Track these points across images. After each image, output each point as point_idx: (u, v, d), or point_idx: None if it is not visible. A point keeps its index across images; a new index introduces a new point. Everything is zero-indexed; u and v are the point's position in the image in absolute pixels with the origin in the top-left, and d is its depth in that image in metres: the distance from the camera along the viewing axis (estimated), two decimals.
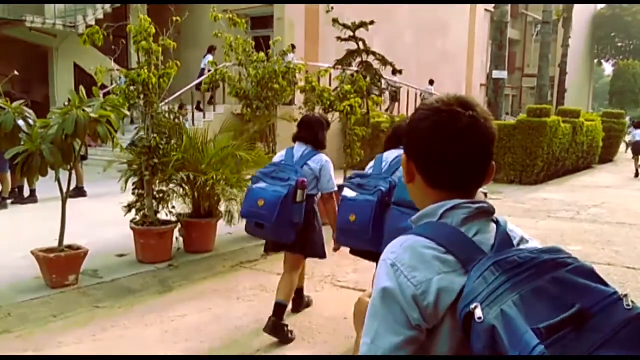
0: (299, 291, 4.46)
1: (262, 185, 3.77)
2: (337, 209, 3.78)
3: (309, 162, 3.96)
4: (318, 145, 4.09)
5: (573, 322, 0.89)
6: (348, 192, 3.50)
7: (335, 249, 3.92)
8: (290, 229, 3.76)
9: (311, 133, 4.09)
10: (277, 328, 3.91)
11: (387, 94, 12.96)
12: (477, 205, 1.08)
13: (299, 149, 4.05)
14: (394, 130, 3.85)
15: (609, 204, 9.86)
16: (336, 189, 4.06)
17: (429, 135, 1.09)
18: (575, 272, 0.95)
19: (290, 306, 4.20)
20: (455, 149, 1.08)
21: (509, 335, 0.87)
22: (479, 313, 0.90)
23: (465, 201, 1.09)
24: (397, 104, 16.08)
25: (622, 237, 7.42)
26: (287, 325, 3.97)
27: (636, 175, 15.54)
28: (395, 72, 9.62)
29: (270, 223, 3.61)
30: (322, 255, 4.18)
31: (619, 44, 49.73)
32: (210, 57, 12.90)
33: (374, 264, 1.92)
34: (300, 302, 4.53)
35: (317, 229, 4.10)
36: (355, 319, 1.24)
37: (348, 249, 3.80)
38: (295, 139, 4.13)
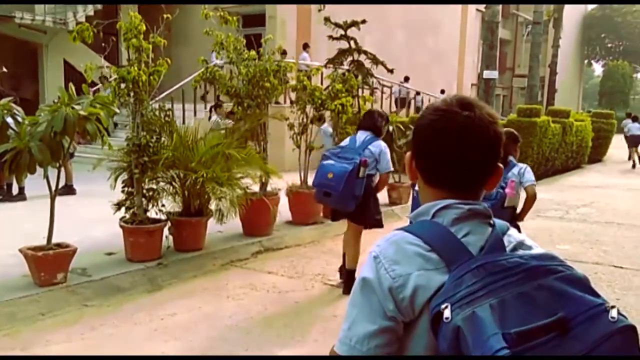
0: (351, 273, 4.80)
1: (331, 162, 4.63)
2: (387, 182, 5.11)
3: (369, 147, 4.69)
4: (377, 132, 4.86)
5: (553, 330, 0.88)
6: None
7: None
8: (351, 200, 4.54)
9: (372, 122, 4.88)
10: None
11: (394, 99, 12.86)
12: (469, 207, 1.08)
13: (361, 136, 4.82)
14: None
15: (597, 203, 9.94)
16: (392, 169, 4.96)
17: (426, 134, 1.12)
18: (563, 280, 0.94)
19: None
20: (449, 148, 1.08)
21: (473, 337, 0.87)
22: (447, 313, 0.91)
23: (457, 202, 1.09)
24: (404, 110, 16.02)
25: (610, 237, 7.48)
26: None
27: (633, 167, 15.62)
28: (388, 71, 9.64)
29: (337, 192, 4.47)
30: (379, 225, 4.88)
31: (609, 45, 50.10)
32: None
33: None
34: (349, 283, 4.62)
35: (373, 203, 4.85)
36: None
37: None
38: (359, 127, 4.97)
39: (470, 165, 1.09)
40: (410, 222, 1.16)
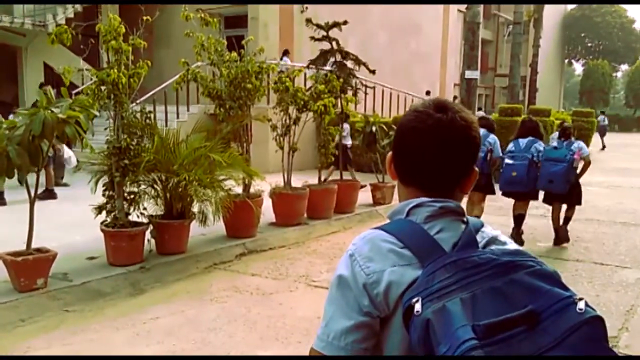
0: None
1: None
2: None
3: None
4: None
5: (522, 323, 0.89)
6: (508, 160, 6.63)
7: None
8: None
9: (488, 124, 7.21)
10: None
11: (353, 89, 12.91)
12: (440, 204, 1.10)
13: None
14: (522, 123, 7.09)
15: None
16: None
17: (401, 134, 1.16)
18: (534, 274, 0.96)
19: None
20: (419, 148, 1.11)
21: (442, 329, 0.89)
22: (417, 307, 0.93)
23: (429, 200, 1.11)
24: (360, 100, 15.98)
25: (591, 233, 7.58)
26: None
27: (602, 148, 16.39)
28: (370, 72, 9.65)
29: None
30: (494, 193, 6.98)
31: (589, 44, 50.81)
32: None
33: None
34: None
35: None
36: None
37: None
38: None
39: (440, 166, 1.12)
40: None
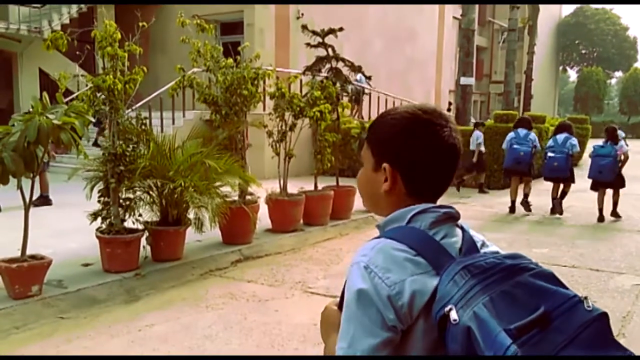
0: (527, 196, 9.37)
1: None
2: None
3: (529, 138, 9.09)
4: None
5: (538, 324, 0.92)
6: (550, 154, 8.65)
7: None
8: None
9: (528, 124, 9.40)
10: (526, 205, 9.37)
11: (350, 96, 12.95)
12: (444, 210, 1.11)
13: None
14: (558, 125, 9.34)
15: (574, 207, 10.07)
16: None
17: (412, 148, 1.12)
18: (537, 276, 0.99)
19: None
20: (436, 162, 1.13)
21: (483, 335, 0.90)
22: (454, 315, 0.93)
23: (433, 205, 1.12)
24: (358, 107, 16.03)
25: (586, 240, 7.59)
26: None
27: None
28: (366, 78, 9.69)
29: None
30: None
31: (583, 51, 51.08)
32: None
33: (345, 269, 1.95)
34: (529, 203, 9.36)
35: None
36: (322, 327, 1.24)
37: None
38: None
39: (450, 175, 1.17)
40: (379, 229, 1.16)
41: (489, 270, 0.99)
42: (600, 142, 9.05)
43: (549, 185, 9.37)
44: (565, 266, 6.17)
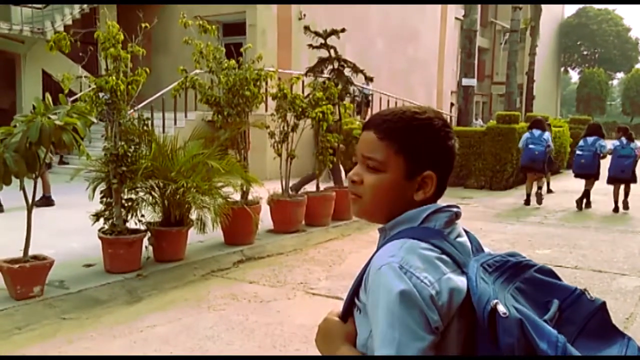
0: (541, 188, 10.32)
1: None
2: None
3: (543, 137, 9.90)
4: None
5: (555, 316, 0.98)
6: (579, 152, 9.88)
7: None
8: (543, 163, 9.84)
9: (542, 125, 10.12)
10: (538, 197, 10.34)
11: (360, 100, 13.02)
12: (455, 210, 1.12)
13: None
14: (588, 126, 10.52)
15: (575, 208, 10.07)
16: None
17: (447, 152, 1.14)
18: (541, 272, 1.05)
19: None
20: (453, 162, 1.16)
21: (533, 327, 0.92)
22: (502, 308, 0.93)
23: (444, 205, 1.12)
24: (369, 110, 16.11)
25: (588, 241, 7.58)
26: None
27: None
28: (367, 79, 9.68)
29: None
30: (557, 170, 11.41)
31: (585, 52, 51.07)
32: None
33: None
34: (541, 196, 10.43)
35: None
36: (323, 341, 1.17)
37: None
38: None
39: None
40: (384, 231, 1.15)
41: (500, 267, 1.03)
42: (609, 142, 10.10)
43: (571, 188, 10.77)
44: (568, 267, 6.15)
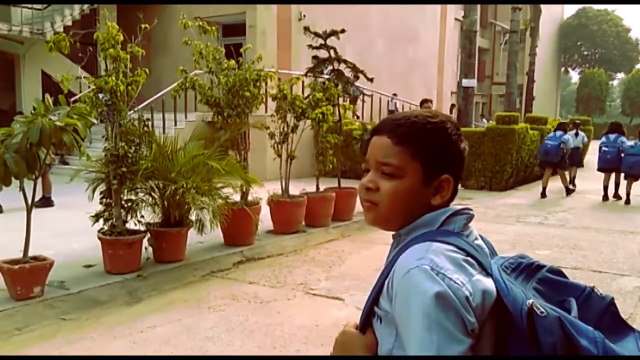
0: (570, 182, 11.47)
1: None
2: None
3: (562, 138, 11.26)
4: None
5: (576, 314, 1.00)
6: (604, 148, 11.07)
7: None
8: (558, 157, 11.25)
9: (563, 126, 11.75)
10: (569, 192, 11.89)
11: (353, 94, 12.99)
12: (471, 212, 1.11)
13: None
14: (610, 125, 11.65)
15: (575, 208, 10.07)
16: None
17: (463, 152, 1.14)
18: (552, 272, 1.07)
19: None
20: (464, 163, 1.17)
21: (571, 324, 0.94)
22: (540, 307, 0.94)
23: (461, 207, 1.12)
24: (357, 106, 16.00)
25: (588, 241, 7.58)
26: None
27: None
28: (367, 80, 9.68)
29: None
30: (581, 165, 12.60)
31: (585, 53, 51.05)
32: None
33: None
34: (569, 189, 11.76)
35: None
36: (341, 352, 1.12)
37: None
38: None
39: None
40: (399, 237, 1.13)
41: (516, 269, 1.05)
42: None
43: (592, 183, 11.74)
44: (567, 268, 6.15)
